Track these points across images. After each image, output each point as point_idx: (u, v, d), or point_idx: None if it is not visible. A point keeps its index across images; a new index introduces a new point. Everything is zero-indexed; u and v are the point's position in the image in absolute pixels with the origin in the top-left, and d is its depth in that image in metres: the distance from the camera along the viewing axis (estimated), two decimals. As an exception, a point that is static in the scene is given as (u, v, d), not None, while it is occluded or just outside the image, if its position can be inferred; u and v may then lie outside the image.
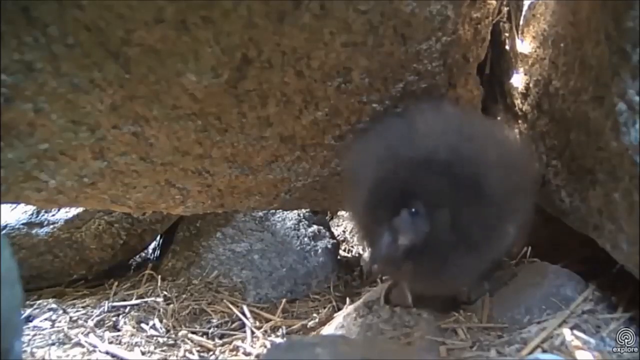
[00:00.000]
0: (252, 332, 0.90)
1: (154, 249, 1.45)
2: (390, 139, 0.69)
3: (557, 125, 0.75)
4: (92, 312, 1.01)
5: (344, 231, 1.61)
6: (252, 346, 0.84)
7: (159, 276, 1.17)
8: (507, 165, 0.67)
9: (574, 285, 0.70)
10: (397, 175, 0.63)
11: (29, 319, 0.98)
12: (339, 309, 0.95)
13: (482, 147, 0.66)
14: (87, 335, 0.89)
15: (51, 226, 1.21)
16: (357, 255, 1.42)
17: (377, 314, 0.77)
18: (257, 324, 0.95)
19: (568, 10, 0.69)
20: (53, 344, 0.86)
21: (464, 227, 0.61)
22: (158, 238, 1.41)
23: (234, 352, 0.84)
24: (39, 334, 0.90)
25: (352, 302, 0.93)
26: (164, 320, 0.96)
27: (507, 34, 0.91)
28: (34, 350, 0.83)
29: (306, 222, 1.32)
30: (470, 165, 0.62)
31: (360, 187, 0.66)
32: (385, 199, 0.62)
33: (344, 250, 1.49)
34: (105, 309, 1.02)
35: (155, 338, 0.89)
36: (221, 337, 0.90)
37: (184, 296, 1.07)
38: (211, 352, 0.84)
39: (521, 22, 0.87)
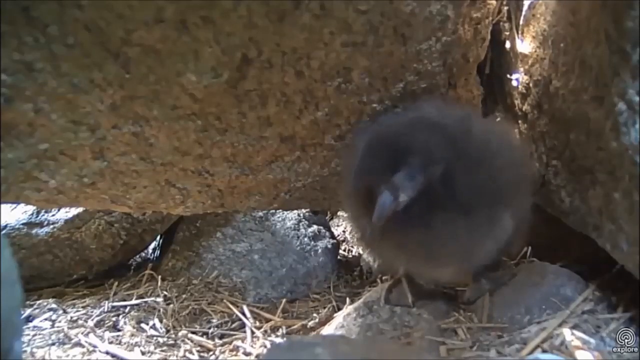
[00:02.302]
0: (252, 332, 0.90)
1: (154, 249, 1.45)
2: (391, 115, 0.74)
3: (557, 125, 0.75)
4: (92, 312, 1.01)
5: (344, 231, 1.61)
6: (252, 346, 0.84)
7: (159, 276, 1.17)
8: (504, 154, 0.68)
9: (574, 285, 0.70)
10: (395, 132, 0.64)
11: (29, 319, 0.98)
12: (339, 309, 0.95)
13: (482, 133, 0.68)
14: (87, 335, 0.89)
15: (51, 226, 1.21)
16: (357, 255, 1.42)
17: (377, 314, 0.77)
18: (257, 324, 0.95)
19: (568, 10, 0.69)
20: (53, 344, 0.86)
21: (457, 188, 0.61)
22: (158, 238, 1.41)
23: (234, 352, 0.84)
24: (39, 334, 0.90)
25: (352, 302, 0.93)
26: (164, 320, 0.96)
27: (507, 34, 0.91)
28: (34, 350, 0.83)
29: (306, 222, 1.32)
30: (470, 139, 0.64)
31: (359, 150, 0.67)
32: (383, 156, 0.62)
33: (344, 250, 1.49)
34: (105, 309, 1.02)
35: (155, 338, 0.89)
36: (221, 337, 0.90)
37: (184, 296, 1.07)
38: (211, 352, 0.84)
39: (521, 22, 0.87)
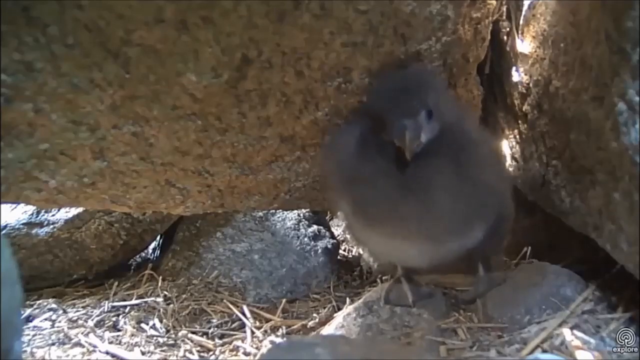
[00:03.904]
0: (252, 332, 0.90)
1: (154, 249, 1.45)
2: None
3: (557, 125, 0.75)
4: (92, 312, 1.01)
5: (344, 231, 1.60)
6: (252, 346, 0.84)
7: (159, 276, 1.17)
8: (487, 157, 0.71)
9: (574, 285, 0.70)
10: (413, 78, 0.67)
11: (29, 319, 0.98)
12: (339, 309, 0.95)
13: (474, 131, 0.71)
14: (87, 335, 0.89)
15: (51, 226, 1.21)
16: (357, 255, 1.42)
17: (377, 314, 0.77)
18: (257, 324, 0.95)
19: (568, 10, 0.69)
20: (53, 344, 0.86)
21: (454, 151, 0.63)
22: (158, 238, 1.41)
23: (234, 352, 0.84)
24: (39, 334, 0.90)
25: (352, 302, 0.93)
26: (164, 320, 0.96)
27: (507, 34, 0.91)
28: (34, 350, 0.83)
29: (306, 222, 1.32)
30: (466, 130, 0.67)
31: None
32: (403, 99, 0.63)
33: (344, 250, 1.49)
34: (105, 309, 1.02)
35: (155, 338, 0.89)
36: (221, 337, 0.90)
37: (184, 296, 1.07)
38: (211, 352, 0.84)
39: (521, 22, 0.87)
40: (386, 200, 0.64)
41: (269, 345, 0.83)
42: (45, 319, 0.98)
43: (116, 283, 1.18)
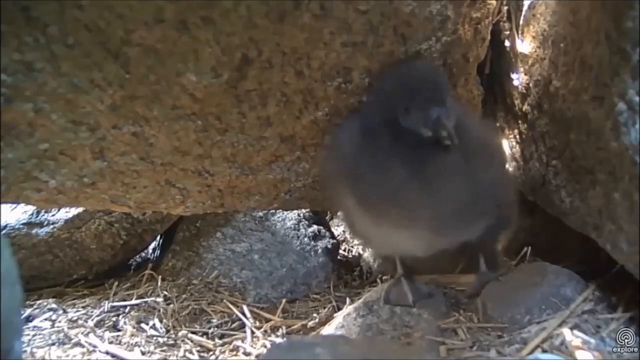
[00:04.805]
0: (252, 332, 0.90)
1: (154, 249, 1.45)
2: None
3: (557, 125, 0.75)
4: (92, 312, 1.02)
5: (344, 231, 1.60)
6: (252, 346, 0.84)
7: (159, 276, 1.17)
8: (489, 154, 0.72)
9: (574, 285, 0.70)
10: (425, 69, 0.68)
11: (29, 319, 0.98)
12: (339, 309, 0.95)
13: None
14: (87, 335, 0.89)
15: (51, 226, 1.21)
16: (357, 255, 1.42)
17: (377, 314, 0.77)
18: (257, 324, 0.95)
19: (568, 10, 0.69)
20: (53, 344, 0.86)
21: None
22: (158, 238, 1.41)
23: (234, 352, 0.84)
24: (39, 334, 0.90)
25: (352, 302, 0.93)
26: (164, 320, 0.96)
27: (507, 34, 0.91)
28: (34, 350, 0.83)
29: (306, 222, 1.32)
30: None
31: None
32: (425, 89, 0.63)
33: (344, 250, 1.49)
34: (105, 309, 1.02)
35: (155, 338, 0.89)
36: (221, 337, 0.90)
37: (184, 296, 1.07)
38: (211, 352, 0.84)
39: (521, 22, 0.87)
40: (393, 192, 0.64)
41: (269, 345, 0.83)
42: (45, 319, 0.98)
43: (116, 283, 1.18)
